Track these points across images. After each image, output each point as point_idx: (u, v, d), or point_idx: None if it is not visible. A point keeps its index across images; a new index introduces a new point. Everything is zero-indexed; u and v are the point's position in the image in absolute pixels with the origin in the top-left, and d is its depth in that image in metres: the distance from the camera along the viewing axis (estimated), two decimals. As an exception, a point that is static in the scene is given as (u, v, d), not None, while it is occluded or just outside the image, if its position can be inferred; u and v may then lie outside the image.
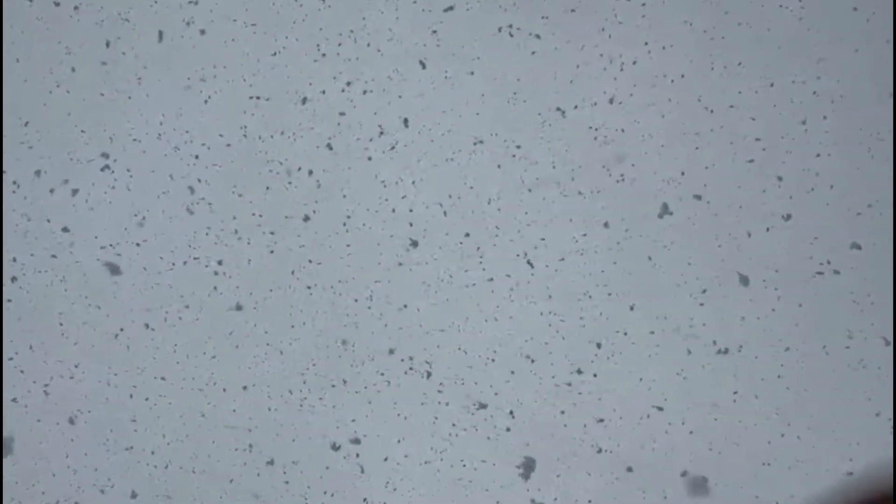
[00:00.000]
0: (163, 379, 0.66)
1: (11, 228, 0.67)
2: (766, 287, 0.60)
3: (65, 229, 0.66)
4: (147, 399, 0.66)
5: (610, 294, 0.61)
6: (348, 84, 0.63)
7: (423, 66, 0.62)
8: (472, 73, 0.61)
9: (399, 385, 0.63)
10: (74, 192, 0.66)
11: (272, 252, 0.64)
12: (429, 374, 0.63)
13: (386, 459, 0.64)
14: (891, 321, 0.58)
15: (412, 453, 0.63)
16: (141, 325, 0.66)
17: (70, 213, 0.66)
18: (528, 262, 0.61)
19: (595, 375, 0.62)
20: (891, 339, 0.58)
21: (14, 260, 0.67)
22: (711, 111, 0.60)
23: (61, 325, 0.66)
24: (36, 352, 0.67)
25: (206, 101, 0.64)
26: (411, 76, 0.62)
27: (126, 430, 0.66)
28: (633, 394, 0.61)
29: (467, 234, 0.62)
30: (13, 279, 0.67)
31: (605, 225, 0.61)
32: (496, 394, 0.63)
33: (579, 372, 0.62)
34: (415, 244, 0.63)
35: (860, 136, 0.58)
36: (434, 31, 0.61)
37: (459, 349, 0.63)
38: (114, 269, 0.66)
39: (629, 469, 0.61)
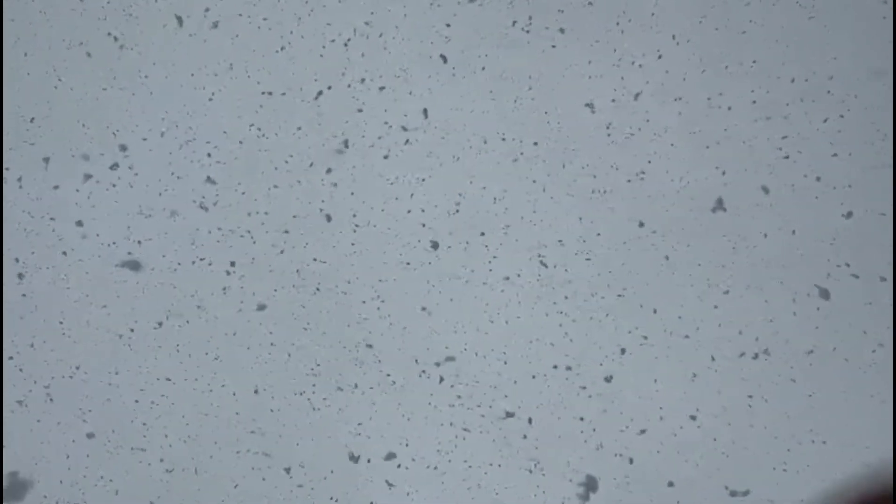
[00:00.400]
0: (168, 380, 0.66)
1: (13, 226, 0.67)
2: (784, 289, 0.59)
3: (70, 226, 0.66)
4: (150, 400, 0.66)
5: (621, 296, 0.61)
6: (362, 81, 0.63)
7: (437, 62, 0.62)
8: (484, 69, 0.61)
9: (407, 388, 0.63)
10: (77, 190, 0.66)
11: (281, 252, 0.64)
12: (441, 379, 0.63)
13: (393, 463, 0.64)
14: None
15: (419, 457, 0.63)
16: (144, 325, 0.66)
17: (73, 211, 0.66)
18: (542, 263, 0.61)
19: (610, 379, 0.62)
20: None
21: (16, 259, 0.67)
22: (728, 108, 0.60)
23: (61, 323, 0.66)
24: (37, 351, 0.67)
25: (210, 98, 0.64)
26: (421, 72, 0.63)
27: (128, 432, 0.66)
28: (657, 400, 0.61)
29: (482, 234, 0.62)
30: (16, 276, 0.67)
31: (621, 225, 0.61)
32: (506, 396, 0.63)
33: (599, 377, 0.62)
34: (426, 244, 0.63)
35: (874, 135, 0.58)
36: (448, 25, 0.61)
37: (466, 349, 0.63)
38: (117, 269, 0.66)
39: (670, 484, 0.61)
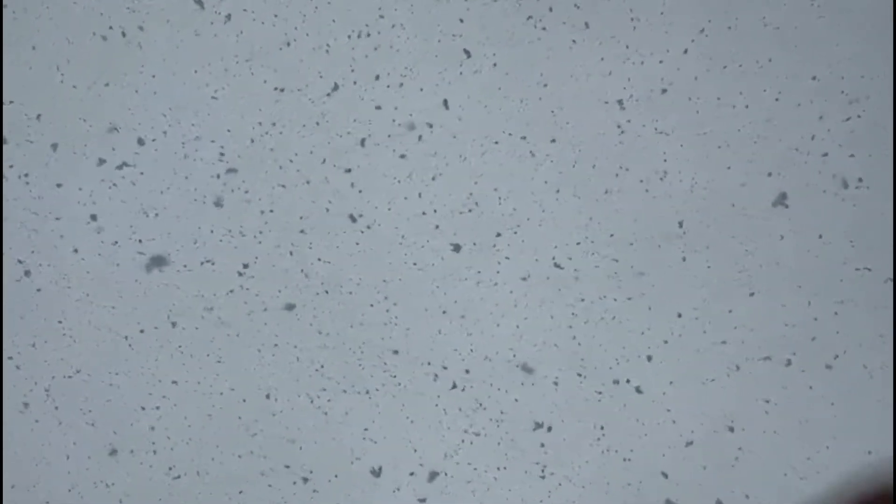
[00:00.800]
0: (174, 383, 0.66)
1: (16, 224, 0.67)
2: (802, 291, 0.60)
3: (72, 225, 0.66)
4: (152, 403, 0.66)
5: (630, 299, 0.61)
6: (376, 78, 0.63)
7: (445, 59, 0.62)
8: (496, 65, 0.61)
9: (415, 391, 0.64)
10: (80, 188, 0.66)
11: (289, 253, 0.64)
12: (456, 386, 0.63)
13: (399, 468, 0.64)
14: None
15: (427, 461, 0.64)
16: (147, 327, 0.66)
17: (76, 209, 0.66)
18: (556, 265, 0.61)
19: (624, 384, 0.62)
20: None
21: (18, 258, 0.67)
22: (735, 107, 0.60)
23: (60, 322, 0.66)
24: (38, 351, 0.67)
25: (214, 97, 0.64)
26: (431, 70, 0.63)
27: (130, 433, 0.66)
28: (670, 405, 0.61)
29: (498, 234, 0.62)
30: (17, 276, 0.67)
31: (635, 226, 0.61)
32: (516, 400, 0.63)
33: (612, 381, 0.62)
34: (435, 245, 0.63)
35: (889, 135, 0.59)
36: (462, 21, 0.61)
37: (475, 351, 0.63)
38: (119, 269, 0.66)
39: (682, 486, 0.61)
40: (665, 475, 0.62)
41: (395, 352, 0.64)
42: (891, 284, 0.59)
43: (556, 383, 0.62)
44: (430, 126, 0.63)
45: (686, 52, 0.60)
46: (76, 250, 0.66)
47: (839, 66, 0.59)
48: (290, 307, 0.64)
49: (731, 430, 0.61)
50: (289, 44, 0.64)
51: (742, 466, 0.61)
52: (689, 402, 0.61)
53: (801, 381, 0.60)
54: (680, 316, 0.61)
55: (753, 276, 0.60)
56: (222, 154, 0.65)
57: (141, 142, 0.65)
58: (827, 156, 0.59)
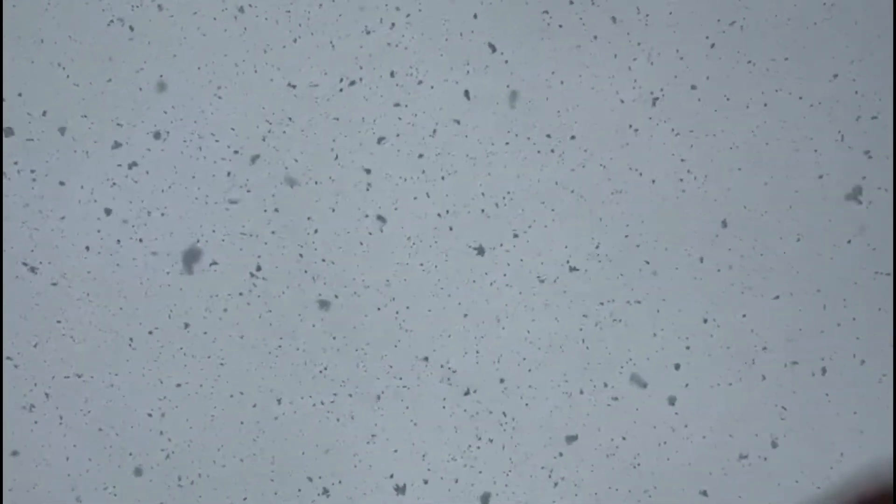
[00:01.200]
0: (177, 386, 0.66)
1: (18, 223, 0.67)
2: (820, 296, 0.60)
3: (74, 223, 0.66)
4: (153, 404, 0.66)
5: (640, 301, 0.62)
6: (392, 75, 0.63)
7: (453, 58, 0.62)
8: (507, 62, 0.62)
9: (420, 394, 0.64)
10: (82, 186, 0.66)
11: (290, 254, 0.65)
12: (464, 389, 0.63)
13: (404, 472, 0.64)
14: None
15: (433, 466, 0.64)
16: (148, 327, 0.66)
17: (78, 208, 0.66)
18: (569, 267, 0.61)
19: (635, 387, 0.62)
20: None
21: (18, 257, 0.67)
22: (749, 107, 0.60)
23: (59, 322, 0.66)
24: (38, 351, 0.67)
25: (217, 95, 0.64)
26: (436, 68, 0.63)
27: (130, 435, 0.66)
28: (681, 410, 0.61)
29: (515, 235, 0.62)
30: (18, 275, 0.67)
31: (648, 229, 0.61)
32: (526, 404, 0.63)
33: (627, 387, 0.62)
34: (443, 246, 0.63)
35: None
36: (476, 16, 0.61)
37: (481, 354, 0.63)
38: (120, 269, 0.66)
39: (703, 493, 0.61)
40: (676, 481, 0.62)
41: (403, 355, 0.64)
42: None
43: (566, 387, 0.62)
44: (441, 125, 0.63)
45: (699, 50, 0.60)
46: (78, 249, 0.66)
47: (856, 66, 0.59)
48: (295, 309, 0.65)
49: (745, 436, 0.61)
50: (296, 40, 0.64)
51: (754, 472, 0.61)
52: (700, 406, 0.61)
53: (825, 386, 0.61)
54: (704, 321, 0.61)
55: (768, 279, 0.60)
56: (235, 152, 0.65)
57: (145, 140, 0.65)
58: (843, 158, 0.60)
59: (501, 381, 0.63)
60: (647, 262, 0.61)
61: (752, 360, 0.61)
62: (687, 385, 0.62)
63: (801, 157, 0.60)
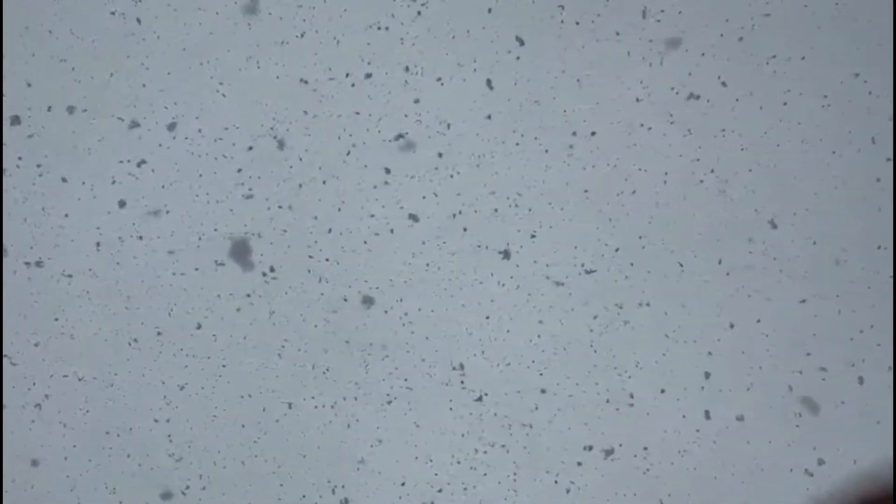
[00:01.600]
0: (178, 387, 0.66)
1: (19, 221, 0.67)
2: (838, 301, 0.59)
3: (76, 222, 0.66)
4: (153, 405, 0.66)
5: (650, 304, 0.62)
6: (408, 69, 0.63)
7: (458, 56, 0.62)
8: (519, 59, 0.62)
9: (425, 397, 0.64)
10: (83, 182, 0.66)
11: (294, 255, 0.64)
12: (481, 398, 0.63)
13: (409, 476, 0.64)
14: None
15: (439, 468, 0.64)
16: (149, 328, 0.66)
17: (79, 206, 0.66)
18: (586, 271, 0.61)
19: (643, 391, 0.62)
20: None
21: (19, 256, 0.67)
22: (763, 108, 0.60)
23: (57, 319, 0.66)
24: (38, 351, 0.67)
25: (223, 94, 0.64)
26: (442, 66, 0.63)
27: (130, 436, 0.66)
28: (691, 415, 0.60)
29: (532, 236, 0.62)
30: (18, 274, 0.67)
31: (656, 230, 0.61)
32: (537, 408, 0.63)
33: (635, 391, 0.62)
34: (450, 246, 0.63)
35: None
36: (489, 10, 0.61)
37: (487, 356, 0.63)
38: (121, 268, 0.66)
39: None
40: (682, 485, 0.62)
41: (409, 356, 0.64)
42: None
43: (572, 390, 0.63)
44: (449, 124, 0.63)
45: (710, 48, 0.60)
46: (79, 247, 0.66)
47: (872, 68, 0.59)
48: (298, 311, 0.65)
49: (747, 445, 0.61)
50: (302, 34, 0.64)
51: (763, 476, 0.61)
52: (713, 411, 0.61)
53: (833, 389, 0.61)
54: (718, 325, 0.61)
55: (783, 283, 0.60)
56: (229, 150, 0.65)
57: (149, 137, 0.65)
58: (861, 161, 0.60)
59: (511, 384, 0.63)
60: (659, 264, 0.61)
61: (767, 366, 0.61)
62: (703, 388, 0.62)
63: (817, 159, 0.60)
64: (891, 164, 0.59)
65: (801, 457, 0.61)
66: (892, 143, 0.59)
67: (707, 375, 0.61)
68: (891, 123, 0.59)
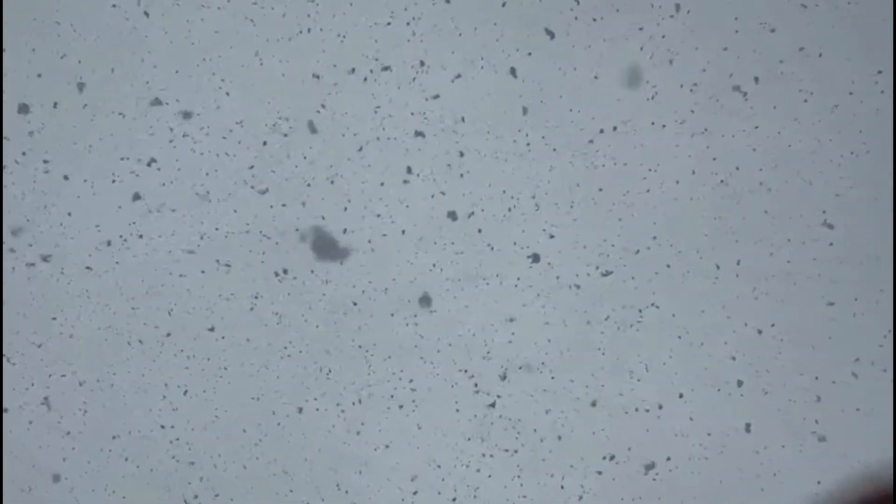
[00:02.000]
0: (178, 388, 0.66)
1: (20, 220, 0.67)
2: (856, 307, 0.59)
3: (76, 221, 0.66)
4: (153, 406, 0.66)
5: (659, 307, 0.61)
6: (421, 63, 0.63)
7: (462, 54, 0.62)
8: (531, 54, 0.61)
9: (433, 398, 0.64)
10: (84, 180, 0.66)
11: (297, 255, 0.64)
12: (494, 403, 0.63)
13: (413, 479, 0.64)
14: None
15: (444, 471, 0.64)
16: (149, 328, 0.66)
17: (79, 205, 0.66)
18: (602, 273, 0.61)
19: (650, 393, 0.62)
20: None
21: (19, 256, 0.67)
22: (776, 108, 0.60)
23: (54, 319, 0.66)
24: (37, 351, 0.67)
25: (228, 93, 0.64)
26: (445, 65, 0.63)
27: (129, 438, 0.66)
28: (701, 421, 0.59)
29: (552, 236, 0.62)
30: (17, 274, 0.67)
31: (662, 230, 0.61)
32: (547, 412, 0.63)
33: (642, 393, 0.62)
34: (457, 247, 0.63)
35: None
36: (504, 4, 0.61)
37: (491, 357, 0.63)
38: (120, 268, 0.66)
39: None
40: (692, 491, 0.62)
41: (415, 358, 0.64)
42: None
43: (580, 392, 0.63)
44: (455, 123, 0.63)
45: (723, 51, 0.60)
46: (80, 246, 0.66)
47: (888, 67, 0.59)
48: (301, 312, 0.65)
49: (754, 450, 0.61)
50: (307, 30, 0.64)
51: (773, 482, 0.61)
52: (711, 412, 0.61)
53: (847, 395, 0.60)
54: (728, 328, 0.61)
55: (798, 283, 0.60)
56: (231, 149, 0.65)
57: (151, 135, 0.65)
58: (872, 164, 0.59)
59: (518, 387, 0.63)
60: (668, 266, 0.61)
61: (774, 368, 0.61)
62: (715, 392, 0.62)
63: (830, 159, 0.60)
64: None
65: (812, 464, 0.61)
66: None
67: (719, 380, 0.61)
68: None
